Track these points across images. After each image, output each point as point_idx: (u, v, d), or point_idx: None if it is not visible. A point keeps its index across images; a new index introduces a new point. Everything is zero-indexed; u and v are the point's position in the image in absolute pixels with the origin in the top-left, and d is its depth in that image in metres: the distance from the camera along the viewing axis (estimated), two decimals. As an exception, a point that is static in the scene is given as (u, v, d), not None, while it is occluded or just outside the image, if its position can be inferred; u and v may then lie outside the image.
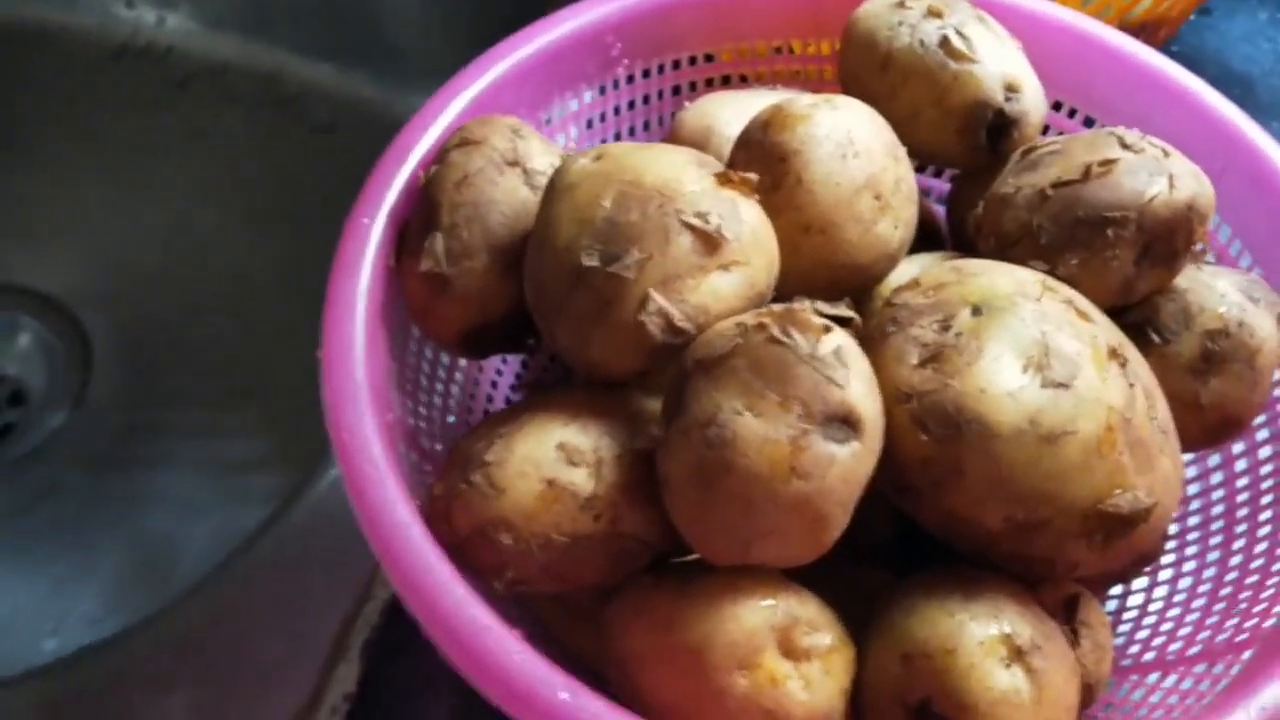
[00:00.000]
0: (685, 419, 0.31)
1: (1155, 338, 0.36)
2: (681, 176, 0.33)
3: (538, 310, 0.35)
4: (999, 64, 0.39)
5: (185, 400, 0.72)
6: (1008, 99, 0.39)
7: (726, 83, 0.47)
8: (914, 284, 0.34)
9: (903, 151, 0.38)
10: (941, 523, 0.32)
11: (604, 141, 0.46)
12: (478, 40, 0.81)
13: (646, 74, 0.46)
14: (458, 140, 0.38)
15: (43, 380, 0.73)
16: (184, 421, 0.71)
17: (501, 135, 0.38)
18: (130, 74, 0.87)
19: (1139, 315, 0.37)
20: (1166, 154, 0.36)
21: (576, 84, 0.44)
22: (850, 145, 0.36)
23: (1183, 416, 0.36)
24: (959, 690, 0.30)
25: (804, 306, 0.31)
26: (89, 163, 0.83)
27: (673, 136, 0.43)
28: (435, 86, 0.84)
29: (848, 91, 0.43)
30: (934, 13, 0.40)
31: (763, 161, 0.36)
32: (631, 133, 0.47)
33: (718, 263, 0.33)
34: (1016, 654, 0.31)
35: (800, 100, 0.37)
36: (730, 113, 0.42)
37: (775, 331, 0.30)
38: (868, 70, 0.41)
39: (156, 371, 0.74)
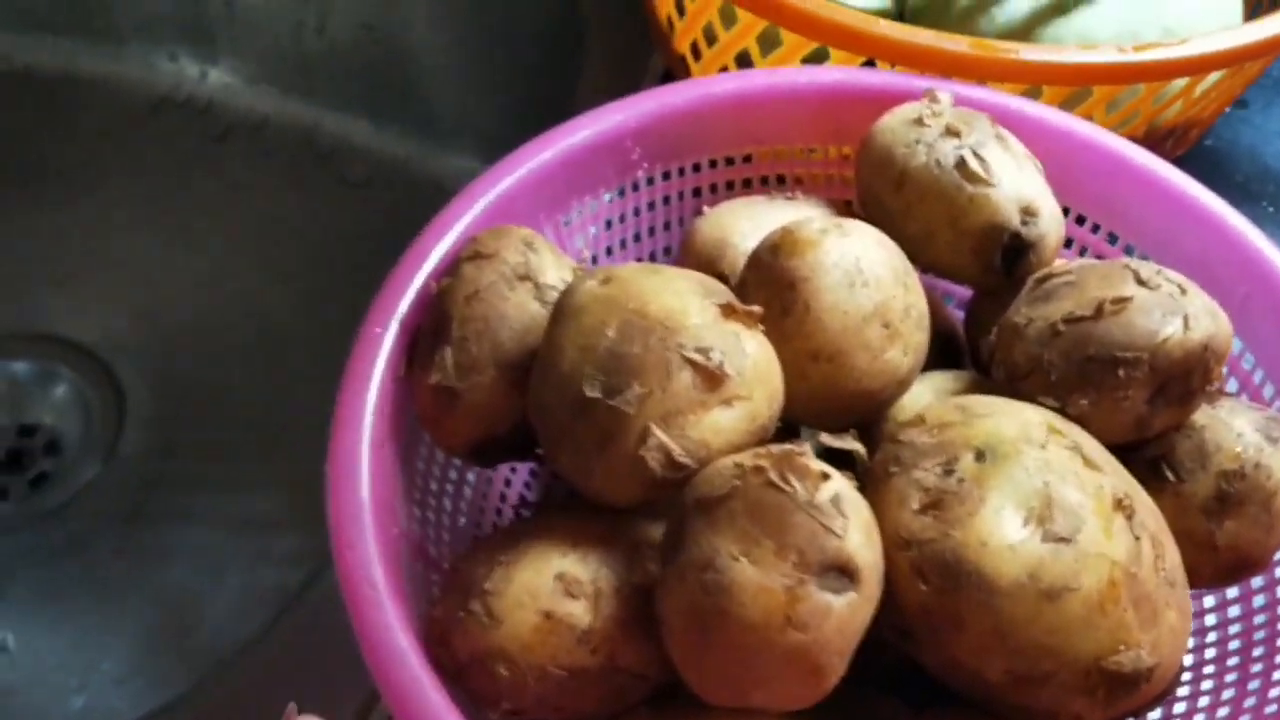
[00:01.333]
0: (683, 560, 0.30)
1: (1170, 475, 0.36)
2: (686, 308, 0.33)
3: (541, 433, 0.35)
4: (1016, 187, 0.39)
5: (215, 455, 0.73)
6: (1024, 223, 0.39)
7: (748, 185, 0.47)
8: (919, 420, 0.34)
9: (914, 278, 0.37)
10: (943, 669, 0.32)
11: (623, 241, 0.47)
12: (510, 101, 0.83)
13: (666, 176, 0.46)
14: (470, 252, 0.39)
15: (78, 431, 0.74)
16: (213, 477, 0.72)
17: (514, 249, 0.38)
18: (171, 126, 0.89)
19: (1154, 451, 0.36)
20: (1184, 290, 0.35)
21: (595, 188, 0.45)
22: (859, 274, 0.36)
23: (1197, 557, 0.35)
24: None
25: (803, 449, 0.31)
26: (128, 214, 0.84)
27: (687, 245, 0.43)
28: (468, 145, 0.86)
29: (864, 204, 0.43)
30: (952, 131, 0.40)
31: (771, 286, 0.36)
32: (651, 233, 0.47)
33: (719, 398, 0.32)
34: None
35: (810, 225, 0.37)
36: (747, 225, 0.42)
37: (773, 476, 0.30)
38: (883, 186, 0.41)
39: (188, 425, 0.75)
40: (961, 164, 0.39)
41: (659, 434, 0.32)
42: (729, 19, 0.56)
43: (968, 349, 0.44)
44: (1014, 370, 0.36)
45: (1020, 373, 0.36)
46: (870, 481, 0.33)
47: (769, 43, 0.55)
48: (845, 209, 0.46)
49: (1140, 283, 0.35)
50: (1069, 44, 0.54)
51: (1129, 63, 0.48)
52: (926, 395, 0.39)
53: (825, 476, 0.30)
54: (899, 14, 0.60)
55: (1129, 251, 0.44)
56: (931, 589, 0.30)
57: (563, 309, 0.35)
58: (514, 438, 0.38)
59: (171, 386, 0.76)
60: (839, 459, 0.35)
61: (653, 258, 0.48)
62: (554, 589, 0.33)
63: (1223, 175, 0.42)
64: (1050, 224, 0.39)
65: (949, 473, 0.32)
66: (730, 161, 0.47)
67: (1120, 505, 0.32)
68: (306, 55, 0.88)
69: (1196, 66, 0.50)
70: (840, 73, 0.47)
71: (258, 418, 0.74)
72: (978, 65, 0.47)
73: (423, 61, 0.86)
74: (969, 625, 0.30)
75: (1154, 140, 0.55)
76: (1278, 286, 0.40)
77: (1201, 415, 0.36)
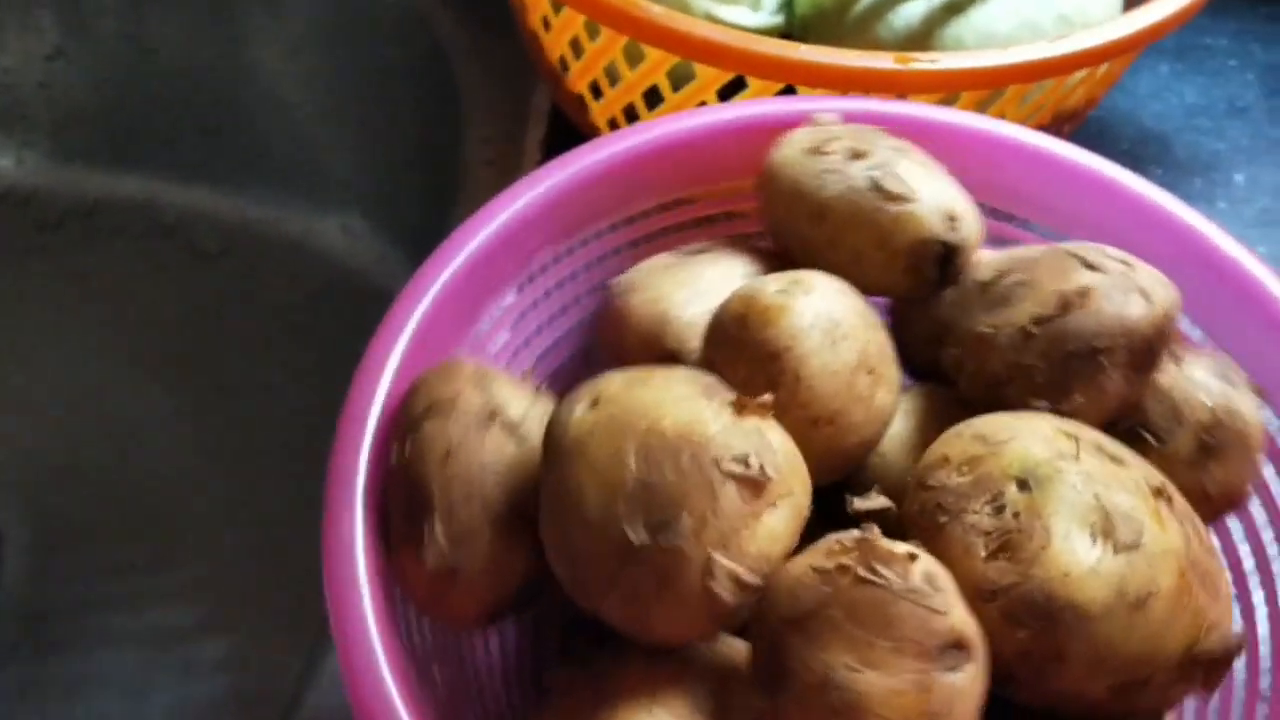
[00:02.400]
0: (797, 686, 0.29)
1: (1152, 440, 0.37)
2: (700, 416, 0.32)
3: (574, 584, 0.33)
4: (934, 195, 0.39)
5: (108, 571, 0.68)
6: (950, 230, 0.39)
7: (637, 245, 0.46)
8: (944, 460, 0.34)
9: (871, 311, 0.37)
10: (1044, 700, 0.32)
11: (527, 339, 0.44)
12: (378, 150, 0.77)
13: (562, 255, 0.44)
14: (425, 405, 0.36)
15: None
16: (112, 595, 0.67)
17: (470, 389, 0.36)
18: (-7, 223, 0.80)
19: (1129, 421, 0.38)
20: (1129, 265, 0.37)
21: (501, 287, 0.42)
22: (836, 328, 0.35)
23: (1194, 508, 0.37)
24: None
25: (873, 532, 0.30)
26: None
27: (618, 324, 0.41)
28: (333, 201, 0.79)
29: (779, 237, 0.42)
30: (857, 155, 0.40)
31: (750, 361, 0.35)
32: (551, 321, 0.45)
33: (766, 503, 0.31)
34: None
35: (766, 288, 0.36)
36: (681, 293, 0.40)
37: (863, 573, 0.29)
38: (802, 221, 0.40)
39: (72, 545, 0.69)
40: (878, 185, 0.39)
41: (724, 561, 0.30)
42: (634, 58, 0.54)
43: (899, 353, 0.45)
44: (994, 379, 0.36)
45: (1001, 380, 0.36)
46: (919, 535, 0.32)
47: (680, 78, 0.53)
48: (747, 243, 0.45)
49: (1090, 267, 0.36)
50: (970, 43, 0.55)
51: (1047, 58, 0.50)
52: (898, 422, 0.39)
53: (912, 556, 0.30)
54: (788, 31, 0.59)
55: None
56: (1029, 633, 0.31)
57: (559, 446, 0.33)
58: (526, 593, 0.35)
59: (45, 508, 0.70)
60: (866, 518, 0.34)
61: (557, 346, 0.45)
62: (655, 750, 0.31)
63: (1110, 145, 0.44)
64: (972, 223, 0.40)
65: (1000, 509, 0.32)
66: (630, 221, 0.45)
67: (1159, 494, 0.33)
68: (135, 123, 0.80)
69: (1113, 51, 0.52)
70: (729, 110, 0.46)
71: (147, 524, 0.69)
72: (902, 81, 0.48)
73: (270, 116, 0.79)
74: (1070, 656, 0.31)
75: (1056, 126, 0.58)
76: (1204, 247, 0.42)
77: (1164, 375, 0.38)
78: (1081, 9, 0.57)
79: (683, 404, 0.32)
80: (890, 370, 0.37)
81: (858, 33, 0.57)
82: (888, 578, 0.29)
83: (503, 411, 0.35)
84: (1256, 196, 0.67)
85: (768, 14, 0.59)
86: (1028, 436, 0.33)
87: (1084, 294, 0.36)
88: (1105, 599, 0.30)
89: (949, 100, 0.52)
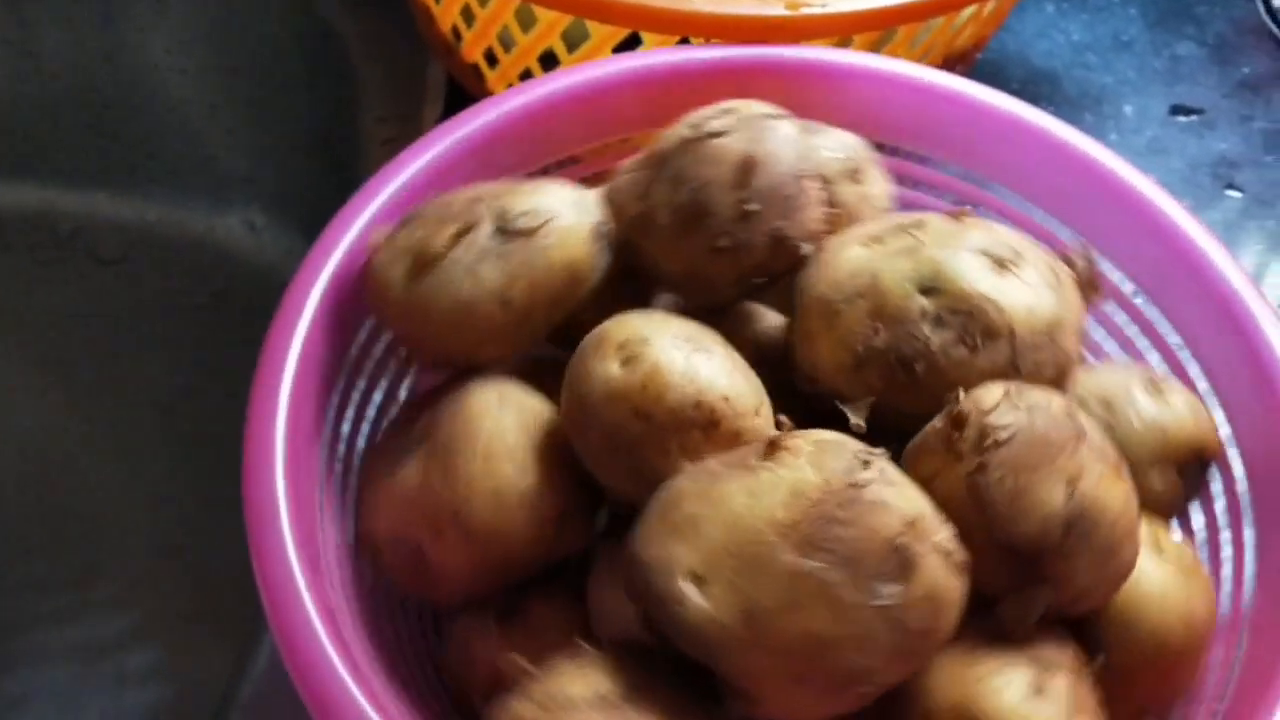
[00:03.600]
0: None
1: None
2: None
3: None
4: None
5: (32, 588, 0.67)
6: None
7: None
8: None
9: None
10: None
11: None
12: (276, 140, 0.76)
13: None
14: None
15: None
16: (40, 611, 0.66)
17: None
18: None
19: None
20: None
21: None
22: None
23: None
24: None
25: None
26: None
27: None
28: (235, 198, 0.78)
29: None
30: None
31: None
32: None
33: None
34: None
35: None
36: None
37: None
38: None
39: None
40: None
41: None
42: (527, 22, 0.54)
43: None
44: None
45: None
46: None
47: (574, 39, 0.53)
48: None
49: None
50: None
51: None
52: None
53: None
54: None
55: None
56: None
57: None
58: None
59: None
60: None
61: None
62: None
63: (1001, 85, 0.45)
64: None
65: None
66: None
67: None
68: (23, 131, 0.78)
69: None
70: (622, 61, 0.47)
71: (66, 538, 0.68)
72: (794, 27, 0.48)
73: (162, 115, 0.77)
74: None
75: (946, 68, 0.58)
76: (1115, 185, 0.44)
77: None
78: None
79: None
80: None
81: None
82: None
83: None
84: (1145, 127, 0.68)
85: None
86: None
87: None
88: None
89: (842, 45, 0.52)
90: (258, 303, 0.80)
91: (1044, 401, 0.34)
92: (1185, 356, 0.43)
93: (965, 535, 0.33)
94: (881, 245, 0.38)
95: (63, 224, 0.80)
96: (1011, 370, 0.36)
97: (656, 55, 0.47)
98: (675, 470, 0.34)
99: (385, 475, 0.38)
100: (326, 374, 0.40)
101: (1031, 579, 0.33)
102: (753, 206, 0.38)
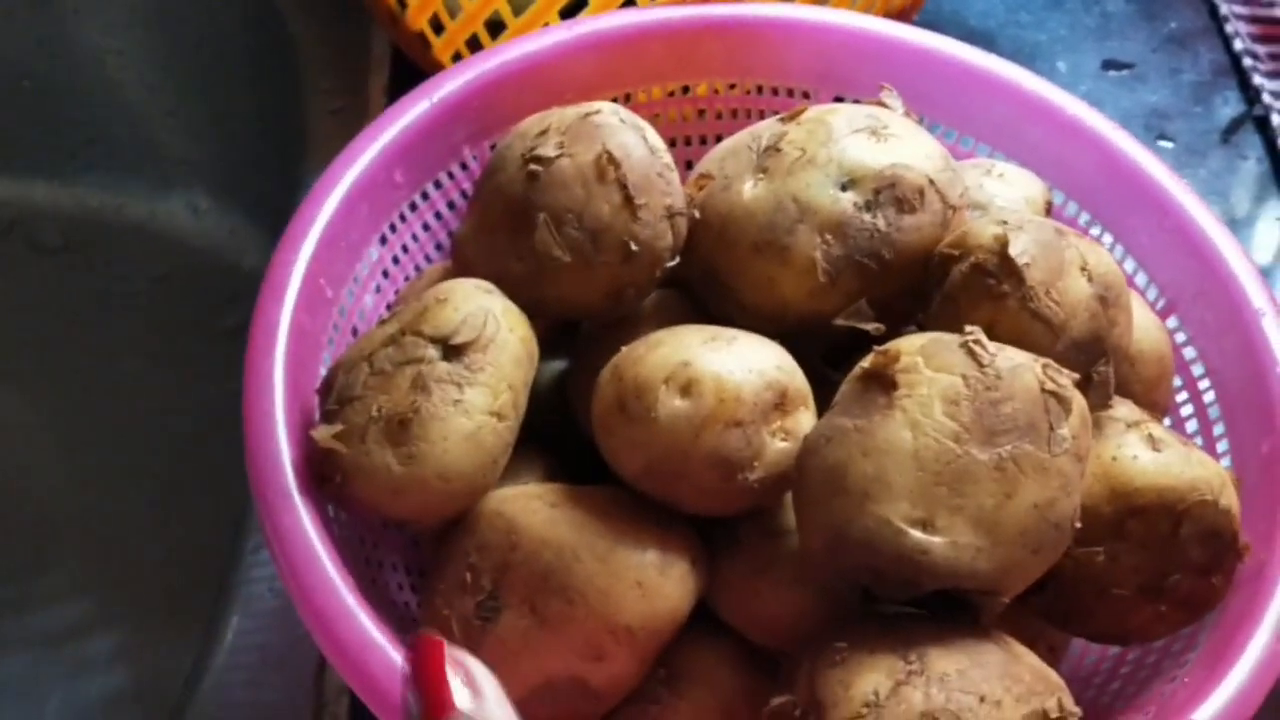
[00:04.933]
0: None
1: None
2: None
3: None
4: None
5: None
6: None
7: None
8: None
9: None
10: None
11: (392, 302, 0.45)
12: (202, 121, 0.75)
13: (425, 196, 0.45)
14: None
15: None
16: None
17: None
18: None
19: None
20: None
21: (367, 240, 0.43)
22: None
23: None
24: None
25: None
26: None
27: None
28: (169, 178, 0.77)
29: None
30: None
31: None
32: (418, 270, 0.45)
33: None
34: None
35: None
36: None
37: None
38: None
39: None
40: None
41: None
42: None
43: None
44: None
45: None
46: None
47: (520, 3, 0.54)
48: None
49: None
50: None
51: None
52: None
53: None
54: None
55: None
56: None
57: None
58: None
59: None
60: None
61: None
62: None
63: None
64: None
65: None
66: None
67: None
68: None
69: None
70: (581, 25, 0.47)
71: (18, 527, 0.67)
72: None
73: (100, 99, 0.76)
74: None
75: None
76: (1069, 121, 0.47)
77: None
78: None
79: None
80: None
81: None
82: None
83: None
84: (1079, 82, 0.70)
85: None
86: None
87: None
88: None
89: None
90: (204, 286, 0.80)
91: (1026, 216, 0.38)
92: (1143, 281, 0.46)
93: (1043, 353, 0.35)
94: (772, 173, 0.39)
95: (2, 213, 0.79)
96: (949, 210, 0.39)
97: (606, 20, 0.48)
98: (769, 452, 0.36)
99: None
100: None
101: (1097, 358, 0.38)
102: (642, 200, 0.39)
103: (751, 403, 0.35)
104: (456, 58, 0.58)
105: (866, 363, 0.35)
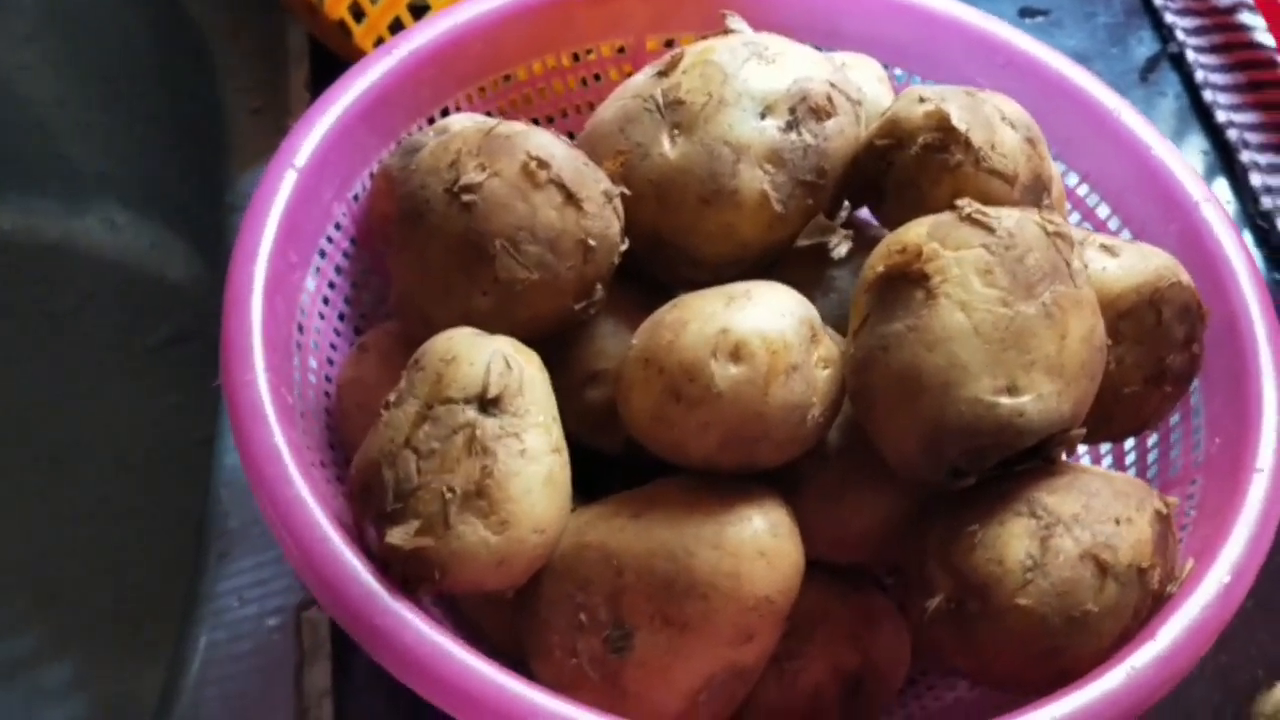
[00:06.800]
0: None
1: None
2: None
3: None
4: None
5: None
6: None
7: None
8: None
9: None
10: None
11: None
12: (116, 131, 0.72)
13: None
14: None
15: None
16: None
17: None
18: None
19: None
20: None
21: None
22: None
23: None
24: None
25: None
26: None
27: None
28: (82, 193, 0.74)
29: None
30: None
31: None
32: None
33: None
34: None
35: None
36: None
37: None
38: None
39: None
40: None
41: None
42: None
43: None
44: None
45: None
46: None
47: None
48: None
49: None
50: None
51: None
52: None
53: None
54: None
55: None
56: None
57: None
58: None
59: None
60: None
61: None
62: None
63: None
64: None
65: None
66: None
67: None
68: None
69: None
70: None
71: None
72: None
73: (7, 113, 0.73)
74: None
75: None
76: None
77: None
78: None
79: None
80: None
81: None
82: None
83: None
84: (997, 32, 0.71)
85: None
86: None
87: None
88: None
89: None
90: (127, 303, 0.77)
91: (940, 88, 0.40)
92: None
93: (1005, 204, 0.38)
94: (688, 126, 0.40)
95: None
96: (855, 105, 0.41)
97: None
98: (821, 383, 0.37)
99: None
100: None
101: (1041, 194, 0.41)
102: (583, 193, 0.38)
103: (798, 345, 0.36)
104: (379, 44, 0.57)
105: (882, 266, 0.36)
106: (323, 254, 0.44)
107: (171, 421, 0.68)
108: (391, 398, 0.36)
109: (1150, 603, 0.36)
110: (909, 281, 0.35)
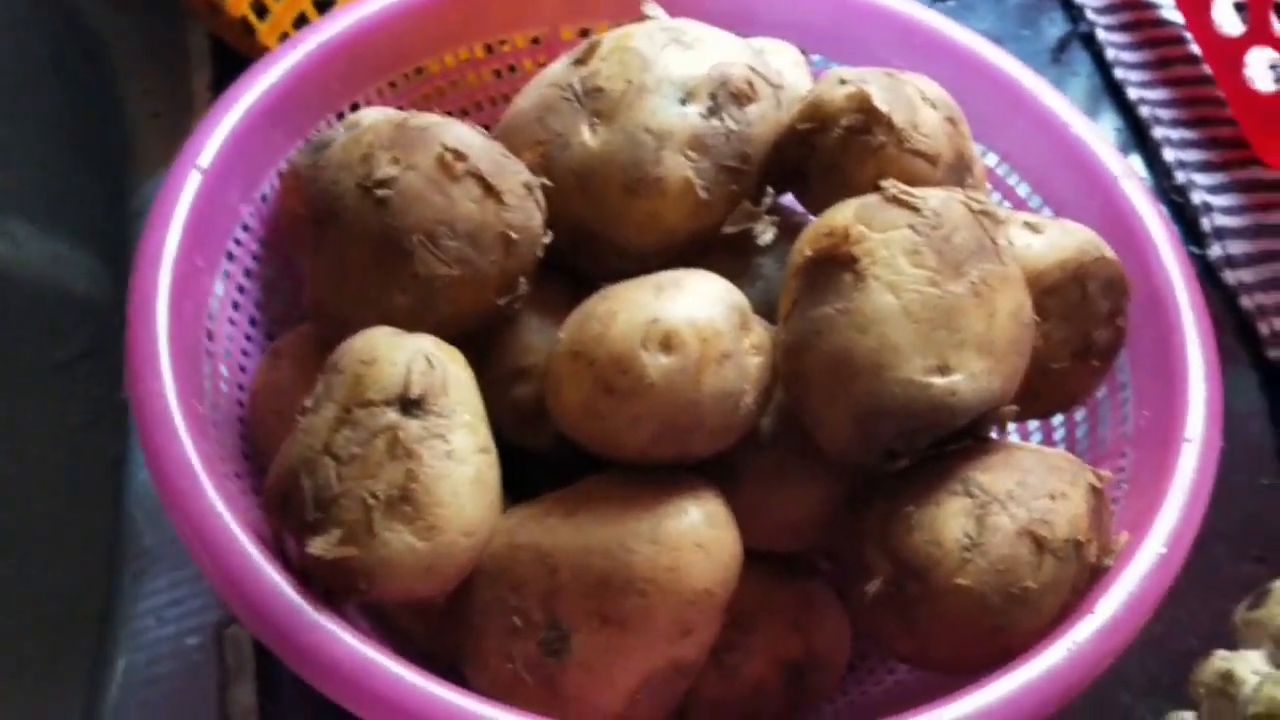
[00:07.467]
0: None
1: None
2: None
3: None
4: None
5: None
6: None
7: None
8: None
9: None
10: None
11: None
12: (12, 140, 0.69)
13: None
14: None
15: None
16: None
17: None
18: None
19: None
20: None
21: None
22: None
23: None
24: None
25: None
26: None
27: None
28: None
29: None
30: None
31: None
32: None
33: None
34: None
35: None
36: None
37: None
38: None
39: None
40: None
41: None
42: None
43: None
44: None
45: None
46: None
47: None
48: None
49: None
50: None
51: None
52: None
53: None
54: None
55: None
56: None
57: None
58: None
59: None
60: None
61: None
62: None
63: None
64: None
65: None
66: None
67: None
68: None
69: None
70: None
71: None
72: None
73: None
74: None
75: None
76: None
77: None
78: None
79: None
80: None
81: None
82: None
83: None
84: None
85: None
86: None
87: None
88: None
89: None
90: (32, 320, 0.75)
91: (860, 70, 0.40)
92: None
93: (930, 185, 0.37)
94: (608, 114, 0.39)
95: None
96: (777, 90, 0.41)
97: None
98: (752, 370, 0.36)
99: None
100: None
101: (964, 173, 0.41)
102: (502, 184, 0.37)
103: (729, 332, 0.35)
104: (283, 40, 0.55)
105: (810, 250, 0.36)
106: (231, 257, 0.42)
107: (82, 438, 0.66)
108: (308, 403, 0.35)
109: (1087, 577, 0.36)
110: (838, 264, 0.35)
